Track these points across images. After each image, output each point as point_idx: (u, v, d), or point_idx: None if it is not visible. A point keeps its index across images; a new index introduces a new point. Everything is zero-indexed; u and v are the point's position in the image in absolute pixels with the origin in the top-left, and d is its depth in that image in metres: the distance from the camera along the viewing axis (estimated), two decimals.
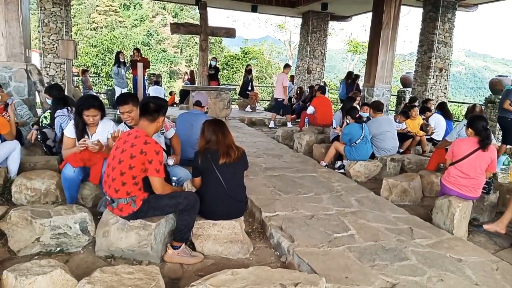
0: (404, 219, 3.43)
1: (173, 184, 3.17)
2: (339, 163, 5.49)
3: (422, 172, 4.77)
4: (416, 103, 8.13)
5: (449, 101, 11.13)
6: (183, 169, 3.66)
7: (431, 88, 9.89)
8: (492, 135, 4.13)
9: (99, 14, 35.41)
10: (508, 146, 6.65)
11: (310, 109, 7.95)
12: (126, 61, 10.17)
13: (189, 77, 13.64)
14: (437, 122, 7.00)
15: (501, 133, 8.38)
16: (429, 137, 6.94)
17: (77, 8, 32.82)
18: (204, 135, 3.01)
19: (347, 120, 5.54)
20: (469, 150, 3.56)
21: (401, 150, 6.19)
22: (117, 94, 9.69)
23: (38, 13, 10.37)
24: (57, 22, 10.34)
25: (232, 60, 26.39)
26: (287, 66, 9.87)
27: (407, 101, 9.40)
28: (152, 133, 2.74)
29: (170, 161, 3.67)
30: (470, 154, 3.55)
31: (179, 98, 13.11)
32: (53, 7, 10.24)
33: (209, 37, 9.96)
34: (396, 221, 3.36)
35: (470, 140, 3.64)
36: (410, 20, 35.72)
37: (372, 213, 3.49)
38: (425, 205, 4.26)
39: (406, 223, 3.32)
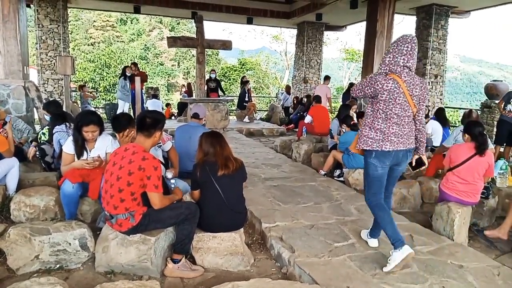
0: (404, 226, 3.42)
1: (172, 187, 3.17)
2: (338, 172, 5.49)
3: (420, 178, 4.77)
4: None
5: (445, 107, 11.20)
6: (182, 182, 3.66)
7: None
8: (489, 140, 4.15)
9: (97, 29, 35.72)
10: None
11: (308, 118, 7.99)
12: (211, 84, 10.68)
13: (186, 89, 13.72)
14: (434, 128, 7.02)
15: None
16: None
17: (74, 24, 33.11)
18: (202, 147, 3.02)
19: (342, 129, 5.56)
20: (466, 155, 3.58)
21: None
22: (120, 108, 9.68)
23: (36, 30, 10.47)
24: (54, 39, 10.44)
25: (229, 72, 26.60)
26: (327, 78, 10.76)
27: None
28: (149, 148, 2.74)
29: (169, 174, 3.67)
30: (468, 160, 3.57)
31: (177, 111, 13.16)
32: (50, 24, 10.34)
33: (206, 49, 10.08)
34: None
35: (467, 146, 3.67)
36: (404, 28, 36.18)
37: (372, 221, 3.48)
38: (425, 211, 4.26)
39: (406, 230, 3.31)
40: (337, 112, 7.57)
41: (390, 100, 2.61)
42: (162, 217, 2.64)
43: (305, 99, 11.73)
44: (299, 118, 10.16)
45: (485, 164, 3.58)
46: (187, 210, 2.68)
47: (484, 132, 3.78)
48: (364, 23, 9.88)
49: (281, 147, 7.39)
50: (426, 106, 8.45)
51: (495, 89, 9.01)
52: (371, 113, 2.75)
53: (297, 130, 8.27)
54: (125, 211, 2.54)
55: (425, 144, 2.86)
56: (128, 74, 9.77)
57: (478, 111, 8.84)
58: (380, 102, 2.65)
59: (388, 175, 2.79)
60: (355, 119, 7.54)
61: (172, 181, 3.22)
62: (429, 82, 9.94)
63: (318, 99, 8.54)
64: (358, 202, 4.03)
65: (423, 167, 3.01)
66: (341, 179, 5.27)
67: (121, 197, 2.52)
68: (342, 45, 26.27)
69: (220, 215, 2.86)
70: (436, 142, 6.93)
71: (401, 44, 2.65)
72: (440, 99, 10.20)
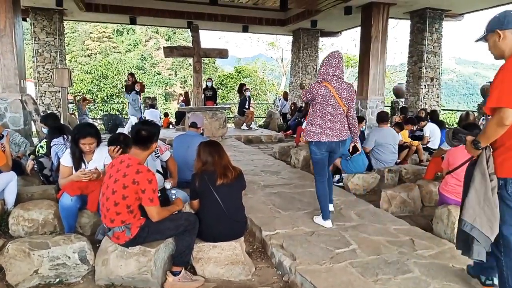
0: (405, 230, 3.41)
1: (173, 197, 3.16)
2: (337, 177, 5.48)
3: (420, 182, 4.77)
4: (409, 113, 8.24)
5: (442, 109, 11.27)
6: (181, 192, 3.65)
7: (423, 97, 10.01)
8: None
9: (93, 41, 35.82)
10: None
11: (305, 124, 8.00)
12: (207, 93, 10.41)
13: (184, 98, 13.75)
14: (432, 131, 7.06)
15: None
16: (425, 146, 6.99)
17: (71, 36, 33.23)
18: (200, 157, 3.02)
19: None
20: (464, 158, 3.57)
21: (398, 161, 6.22)
22: (133, 123, 9.17)
23: (32, 43, 10.51)
24: (51, 52, 10.47)
25: (226, 80, 26.67)
26: None
27: (404, 111, 9.48)
28: (144, 160, 2.73)
29: (168, 185, 3.65)
30: (466, 162, 3.57)
31: (175, 120, 13.17)
32: (47, 37, 10.38)
33: (203, 58, 10.12)
34: (397, 233, 3.35)
35: (465, 148, 3.66)
36: (399, 31, 36.42)
37: (372, 226, 3.48)
38: (425, 215, 4.25)
39: (407, 234, 3.30)
40: None
41: (324, 102, 3.39)
42: (161, 228, 2.62)
43: (303, 105, 11.77)
44: (297, 124, 10.18)
45: None
46: (186, 221, 2.67)
47: None
48: (359, 28, 9.96)
49: (279, 154, 7.39)
50: (423, 109, 8.53)
51: None
52: (312, 113, 3.50)
53: (295, 136, 8.27)
54: (121, 224, 2.53)
55: (358, 134, 3.69)
56: (137, 89, 9.58)
57: (475, 113, 8.88)
58: (317, 104, 3.42)
59: (327, 160, 3.60)
60: None
61: (173, 191, 3.22)
62: (425, 85, 9.99)
63: None
64: (359, 208, 4.02)
65: (358, 152, 3.85)
66: (340, 184, 5.26)
67: (117, 210, 2.51)
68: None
69: (220, 225, 2.85)
70: (435, 145, 6.97)
71: (331, 59, 3.41)
72: (437, 101, 10.24)
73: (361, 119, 7.22)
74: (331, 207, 3.73)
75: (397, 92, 12.24)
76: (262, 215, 3.70)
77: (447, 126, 8.01)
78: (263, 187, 4.84)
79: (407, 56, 10.50)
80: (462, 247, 2.29)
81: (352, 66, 24.16)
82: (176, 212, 2.85)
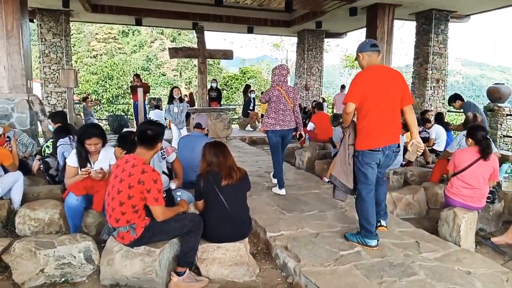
0: (410, 233, 3.40)
1: (178, 198, 3.16)
2: None
3: (425, 184, 4.75)
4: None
5: (448, 111, 11.18)
6: (186, 192, 3.66)
7: (429, 99, 9.95)
8: (493, 144, 4.14)
9: (99, 42, 36.06)
10: None
11: (310, 126, 7.99)
12: (181, 96, 8.32)
13: (189, 99, 13.78)
14: (438, 132, 7.02)
15: (503, 140, 8.40)
16: (430, 148, 6.95)
17: (77, 37, 33.47)
18: (205, 157, 3.03)
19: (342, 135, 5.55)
20: (470, 160, 3.57)
21: (404, 163, 6.19)
22: (175, 134, 7.97)
23: (39, 44, 10.59)
24: (57, 52, 10.54)
25: (231, 81, 26.72)
26: (343, 87, 11.63)
27: None
28: (149, 160, 2.74)
29: (173, 185, 3.68)
30: (472, 164, 3.55)
31: None
32: (53, 38, 10.46)
33: (207, 59, 10.15)
34: (402, 235, 3.33)
35: (471, 150, 3.65)
36: (405, 32, 36.26)
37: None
38: (431, 217, 4.23)
39: (412, 237, 3.28)
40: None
41: (277, 101, 4.56)
42: (166, 228, 2.63)
43: (308, 106, 11.77)
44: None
45: (489, 168, 3.56)
46: (191, 222, 2.68)
47: (488, 136, 3.77)
48: (364, 29, 9.93)
49: (284, 155, 7.36)
50: (427, 111, 8.49)
51: (498, 92, 8.99)
52: (268, 109, 4.63)
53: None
54: (126, 223, 2.54)
55: (301, 125, 4.82)
56: (175, 96, 8.01)
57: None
58: (272, 102, 4.59)
59: (281, 144, 4.74)
60: None
61: (178, 193, 3.23)
62: (431, 87, 9.94)
63: (319, 106, 8.54)
64: None
65: (302, 138, 5.36)
66: None
67: (122, 210, 2.52)
68: (343, 52, 26.34)
69: (225, 225, 2.85)
70: (441, 147, 6.93)
71: (281, 70, 4.65)
72: (443, 103, 10.18)
73: None
74: (283, 191, 4.65)
75: None
76: (267, 216, 3.70)
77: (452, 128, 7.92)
78: (267, 188, 4.85)
79: (413, 58, 10.45)
80: (332, 193, 3.35)
81: (357, 67, 24.11)
82: (181, 213, 2.86)
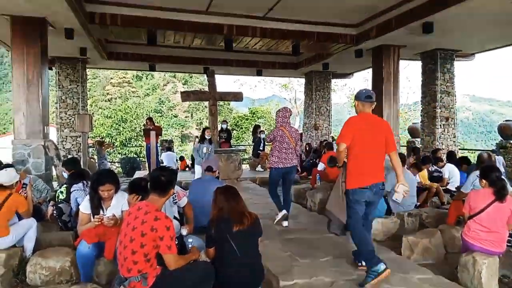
0: (429, 280, 3.26)
1: (189, 246, 3.13)
2: None
3: (442, 226, 4.62)
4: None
5: (460, 149, 11.09)
6: (197, 239, 3.62)
7: (439, 137, 9.91)
8: (508, 184, 4.05)
9: (113, 86, 37.41)
10: None
11: (321, 166, 7.96)
12: (223, 135, 8.53)
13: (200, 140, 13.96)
14: (451, 172, 6.92)
15: None
16: (444, 187, 6.83)
17: (92, 82, 34.79)
18: (216, 203, 3.03)
19: None
20: (485, 202, 3.48)
21: (418, 203, 6.07)
22: (197, 174, 7.93)
23: (56, 90, 11.02)
24: (73, 98, 10.93)
25: (241, 121, 27.15)
26: None
27: (416, 152, 9.37)
28: (162, 206, 2.75)
29: (184, 231, 3.66)
30: (488, 207, 3.47)
31: (190, 162, 13.31)
32: (70, 85, 10.89)
33: (218, 101, 10.40)
34: (422, 283, 3.20)
35: (485, 192, 3.58)
36: (411, 70, 36.82)
37: (395, 276, 3.33)
38: (450, 262, 4.06)
39: (432, 285, 3.15)
40: None
41: (281, 140, 4.98)
42: (178, 278, 2.58)
43: (318, 142, 11.81)
44: (312, 166, 10.13)
45: (507, 211, 3.46)
46: (203, 271, 2.63)
47: (502, 177, 3.71)
48: (371, 69, 10.15)
49: (295, 196, 7.31)
50: (438, 149, 8.44)
51: (509, 128, 8.95)
52: (273, 148, 5.07)
53: (310, 177, 8.22)
54: (138, 273, 2.51)
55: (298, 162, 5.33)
56: (207, 137, 8.09)
57: (495, 151, 8.72)
58: (277, 142, 5.01)
59: (283, 180, 5.16)
60: None
61: (190, 240, 3.20)
62: (440, 125, 9.92)
63: (330, 146, 8.57)
64: (380, 255, 3.86)
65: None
66: None
67: (134, 259, 2.50)
68: (350, 91, 26.71)
69: (237, 274, 2.80)
70: (454, 186, 6.80)
71: (284, 112, 5.18)
72: (454, 141, 10.11)
73: None
74: (285, 223, 5.03)
75: (412, 132, 12.18)
76: (279, 263, 3.61)
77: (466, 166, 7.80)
78: (279, 232, 4.76)
79: (420, 96, 10.54)
80: (327, 227, 3.91)
81: None
82: (192, 261, 2.82)
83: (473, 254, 3.32)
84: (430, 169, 7.15)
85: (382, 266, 3.09)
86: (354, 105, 3.62)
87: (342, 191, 3.51)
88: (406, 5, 7.04)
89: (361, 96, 3.49)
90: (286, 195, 5.21)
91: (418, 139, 11.09)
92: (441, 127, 9.92)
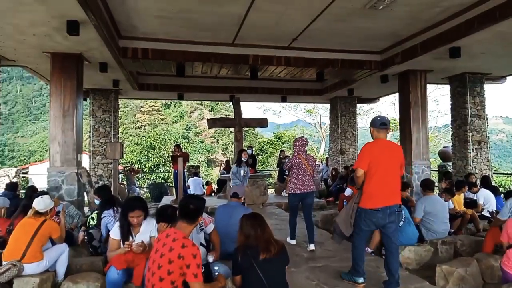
0: None
1: (215, 274, 3.12)
2: None
3: (478, 255, 4.40)
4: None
5: (494, 173, 10.63)
6: (224, 266, 3.61)
7: (472, 161, 9.55)
8: None
9: (143, 114, 38.78)
10: None
11: (348, 191, 7.82)
12: (248, 160, 8.13)
13: (225, 166, 14.10)
14: (486, 197, 6.64)
15: None
16: (480, 214, 6.53)
17: (123, 111, 36.23)
18: (242, 230, 3.04)
19: None
20: None
21: (452, 231, 5.82)
22: None
23: (90, 119, 11.56)
24: (106, 127, 11.41)
25: (266, 146, 27.26)
26: None
27: (448, 176, 9.06)
28: (189, 234, 2.79)
29: (210, 258, 3.66)
30: None
31: (216, 187, 13.41)
32: (103, 114, 11.40)
33: (243, 127, 10.54)
34: None
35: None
36: (439, 93, 36.01)
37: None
38: None
39: None
40: None
41: (298, 168, 5.25)
42: None
43: (343, 170, 11.63)
44: (338, 190, 9.98)
45: None
46: None
47: None
48: (397, 94, 10.04)
49: (322, 222, 7.18)
50: (471, 174, 8.12)
51: None
52: (291, 174, 5.35)
53: (337, 203, 8.07)
54: None
55: (318, 186, 6.74)
56: (244, 159, 7.84)
57: None
58: (294, 169, 5.28)
59: (302, 205, 5.34)
60: None
61: (216, 267, 3.20)
62: (472, 149, 9.59)
63: None
64: (412, 285, 3.73)
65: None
66: None
67: (162, 286, 2.52)
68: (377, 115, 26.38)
69: None
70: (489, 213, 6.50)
71: (300, 141, 5.42)
72: (487, 165, 9.71)
73: (405, 185, 6.98)
74: (311, 247, 5.10)
75: (443, 156, 11.82)
76: None
77: (502, 191, 7.45)
78: (306, 259, 4.67)
79: (450, 120, 10.28)
80: (332, 236, 4.38)
81: (393, 130, 23.88)
82: None
83: None
84: (463, 194, 6.87)
85: (360, 280, 3.69)
86: (370, 132, 3.83)
87: (353, 211, 3.80)
88: (432, 30, 7.00)
89: (376, 124, 3.71)
90: (308, 220, 5.30)
91: (450, 163, 10.73)
92: (473, 151, 9.58)
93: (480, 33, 6.30)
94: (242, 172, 7.65)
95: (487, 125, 9.92)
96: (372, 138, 3.79)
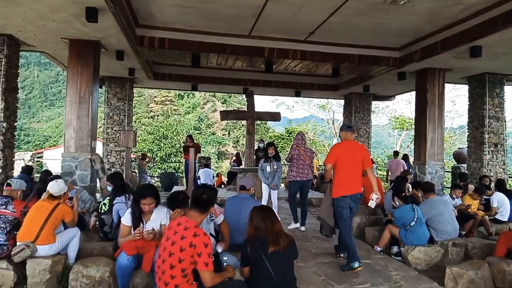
0: None
1: (224, 264, 3.14)
2: (395, 249, 5.14)
3: (490, 258, 4.32)
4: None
5: (510, 176, 10.42)
6: (232, 256, 3.62)
7: (487, 164, 9.36)
8: None
9: (157, 104, 39.06)
10: None
11: (287, 170, 7.72)
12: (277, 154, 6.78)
13: (235, 158, 14.14)
14: (500, 201, 6.50)
15: None
16: (493, 217, 6.41)
17: (137, 100, 36.54)
18: (252, 222, 3.03)
19: (396, 202, 5.33)
20: None
21: (463, 233, 5.73)
22: (264, 194, 6.83)
23: (105, 107, 11.68)
24: (120, 115, 11.51)
25: (277, 140, 27.19)
26: (397, 153, 12.08)
27: (464, 178, 8.91)
28: (200, 223, 2.80)
29: (219, 248, 3.67)
30: None
31: (226, 179, 13.47)
32: (117, 102, 11.51)
33: (256, 121, 10.51)
34: None
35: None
36: (457, 94, 35.36)
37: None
38: None
39: None
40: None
41: (297, 159, 6.05)
42: None
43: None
44: None
45: None
46: None
47: None
48: (414, 92, 9.88)
49: (306, 205, 7.09)
50: (486, 176, 7.96)
51: None
52: (291, 164, 6.13)
53: None
54: None
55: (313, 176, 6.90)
56: (270, 155, 6.79)
57: None
58: (293, 160, 6.08)
59: (300, 192, 6.18)
60: (410, 190, 7.21)
61: (225, 257, 3.22)
62: (488, 151, 9.40)
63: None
64: (421, 285, 3.70)
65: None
66: (399, 258, 4.90)
67: (172, 273, 2.54)
68: (392, 113, 26.04)
69: None
70: (504, 217, 6.42)
71: (300, 135, 6.39)
72: (503, 168, 9.51)
73: (417, 184, 6.89)
74: (303, 228, 6.14)
75: (458, 157, 11.62)
76: None
77: None
78: (314, 255, 4.67)
79: (467, 121, 10.08)
80: (320, 231, 4.86)
81: (407, 129, 23.57)
82: (227, 279, 2.83)
83: None
84: (481, 197, 6.74)
85: (356, 264, 4.03)
86: (340, 134, 4.63)
87: (330, 202, 4.46)
88: (453, 28, 6.84)
89: (344, 127, 4.58)
90: (304, 207, 6.18)
91: (464, 165, 10.54)
92: (489, 153, 9.39)
93: (503, 33, 6.14)
94: (268, 168, 6.78)
95: (505, 128, 9.69)
96: (341, 139, 4.54)
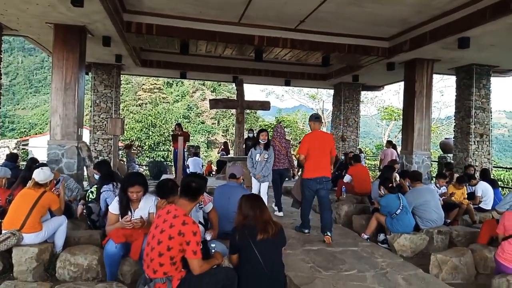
0: None
1: (212, 251, 3.16)
2: (382, 236, 5.23)
3: (473, 246, 4.43)
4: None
5: (494, 166, 10.64)
6: (221, 244, 3.64)
7: (473, 154, 9.54)
8: None
9: (145, 91, 38.53)
10: None
11: (347, 178, 7.83)
12: (269, 142, 6.22)
13: (223, 147, 14.11)
14: (484, 190, 6.65)
15: None
16: (477, 206, 6.56)
17: (125, 87, 35.97)
18: (241, 210, 3.05)
19: (381, 191, 5.40)
20: None
21: (448, 221, 5.85)
22: (254, 186, 6.32)
23: (91, 94, 11.48)
24: (107, 102, 11.33)
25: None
26: (390, 142, 12.04)
27: (450, 167, 9.06)
28: (190, 211, 2.80)
29: (208, 236, 3.69)
30: None
31: (215, 168, 13.45)
32: (104, 89, 11.31)
33: (245, 110, 10.47)
34: None
35: None
36: (444, 84, 35.74)
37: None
38: (480, 283, 3.89)
39: None
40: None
41: (275, 149, 6.27)
42: (201, 283, 2.61)
43: (343, 157, 11.60)
44: (337, 177, 9.98)
45: None
46: (225, 277, 2.65)
47: None
48: (402, 82, 9.95)
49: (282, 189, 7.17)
50: (470, 165, 8.11)
51: None
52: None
53: (335, 189, 8.09)
54: (163, 275, 2.55)
55: (293, 165, 6.85)
56: (261, 141, 6.08)
57: None
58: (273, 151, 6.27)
59: (279, 180, 6.51)
60: (398, 179, 7.31)
61: (213, 245, 3.23)
62: (474, 141, 9.57)
63: (357, 158, 8.42)
64: (406, 272, 3.77)
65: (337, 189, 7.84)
66: (385, 246, 4.99)
67: (160, 261, 2.55)
68: (380, 104, 26.24)
69: (258, 282, 2.79)
70: (488, 205, 6.55)
71: (279, 128, 6.76)
72: (488, 158, 9.71)
73: (404, 173, 6.98)
74: (280, 214, 6.46)
75: (444, 147, 11.81)
76: (302, 274, 3.57)
77: (500, 185, 7.45)
78: (302, 242, 4.71)
79: (454, 111, 10.22)
80: (291, 205, 5.80)
81: (395, 119, 23.80)
82: (215, 266, 2.84)
83: (508, 276, 3.17)
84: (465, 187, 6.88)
85: (306, 231, 5.08)
86: (309, 124, 5.14)
87: (301, 183, 5.20)
88: (442, 19, 6.87)
89: (312, 118, 5.11)
90: (280, 191, 6.59)
91: (450, 155, 10.72)
92: (475, 144, 9.56)
93: (491, 24, 6.20)
94: (257, 157, 6.16)
95: (491, 118, 9.86)
96: (311, 129, 5.08)
